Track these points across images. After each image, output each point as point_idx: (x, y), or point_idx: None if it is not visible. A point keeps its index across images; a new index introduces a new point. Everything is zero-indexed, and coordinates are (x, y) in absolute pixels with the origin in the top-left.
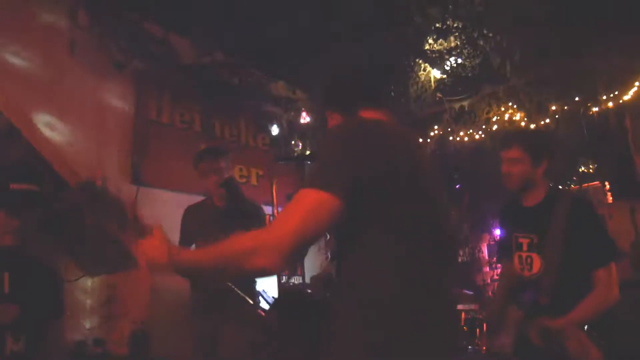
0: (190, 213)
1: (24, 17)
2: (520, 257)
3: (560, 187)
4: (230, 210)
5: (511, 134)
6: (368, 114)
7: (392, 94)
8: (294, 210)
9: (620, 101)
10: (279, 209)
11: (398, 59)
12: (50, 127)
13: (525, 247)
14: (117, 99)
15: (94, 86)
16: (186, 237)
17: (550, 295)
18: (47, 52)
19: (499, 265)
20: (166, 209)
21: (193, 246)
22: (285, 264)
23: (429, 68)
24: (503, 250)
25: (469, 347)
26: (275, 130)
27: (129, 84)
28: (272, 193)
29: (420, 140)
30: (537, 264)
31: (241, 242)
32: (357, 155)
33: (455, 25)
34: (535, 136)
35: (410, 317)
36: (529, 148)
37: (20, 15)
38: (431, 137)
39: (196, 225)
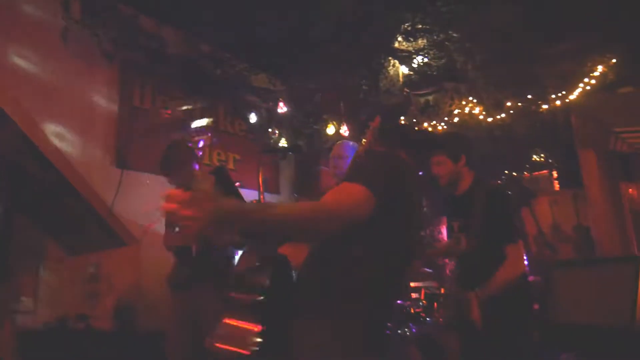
0: None
1: (17, 6)
2: (455, 237)
3: (481, 178)
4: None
5: (435, 142)
6: (400, 153)
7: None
8: (342, 193)
9: (567, 100)
10: (265, 195)
11: (372, 56)
12: (37, 111)
13: (456, 229)
14: (102, 86)
15: (81, 74)
16: (170, 219)
17: (465, 268)
18: (38, 41)
19: None
20: (148, 192)
21: (176, 229)
22: (340, 228)
23: (397, 64)
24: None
25: (427, 318)
26: (253, 118)
27: (114, 71)
28: (251, 181)
29: None
30: (463, 242)
31: (305, 205)
32: (388, 169)
33: (422, 27)
34: (451, 139)
35: (377, 303)
36: (448, 152)
37: (14, 4)
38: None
39: None
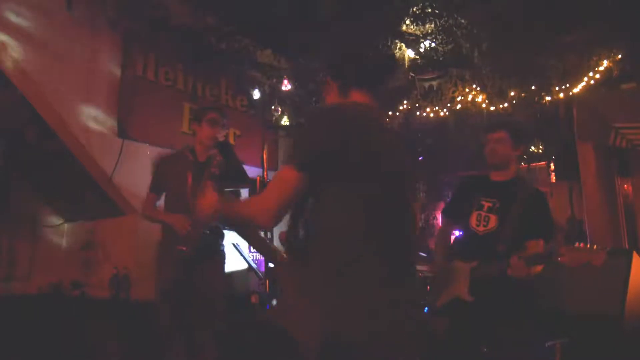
0: (164, 163)
1: None
2: (479, 215)
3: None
4: (224, 171)
5: (498, 121)
6: (357, 96)
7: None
8: (275, 184)
9: (570, 93)
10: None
11: (379, 38)
12: (39, 77)
13: (485, 208)
14: (105, 54)
15: (85, 40)
16: (157, 185)
17: (506, 245)
18: (43, 4)
19: None
20: (148, 162)
21: (163, 195)
22: (275, 222)
23: (404, 47)
24: (452, 212)
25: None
26: (256, 94)
27: (118, 40)
28: (252, 156)
29: (390, 113)
30: (493, 221)
31: (248, 205)
32: (320, 135)
33: (431, 12)
34: (518, 125)
35: (360, 269)
36: (512, 133)
37: None
38: (400, 111)
39: (169, 175)
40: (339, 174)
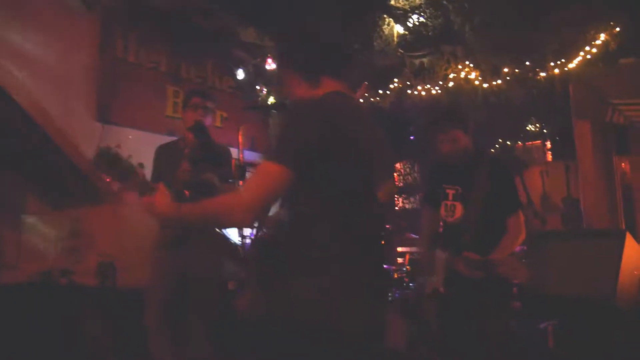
0: (161, 152)
1: None
2: (446, 205)
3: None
4: (199, 155)
5: (445, 118)
6: (328, 84)
7: (354, 70)
8: (258, 180)
9: (566, 69)
10: (245, 154)
11: (364, 12)
12: (13, 63)
13: (450, 197)
14: (83, 36)
15: (59, 23)
16: (157, 176)
17: (471, 236)
18: None
19: None
20: (130, 147)
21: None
22: (253, 221)
23: (392, 23)
24: (430, 198)
25: (411, 284)
26: (240, 74)
27: (95, 21)
28: (238, 139)
29: (380, 91)
30: (458, 210)
31: (222, 203)
32: (307, 133)
33: None
34: (461, 112)
35: (335, 257)
36: (463, 126)
37: None
38: (391, 90)
39: (166, 164)
40: (321, 169)
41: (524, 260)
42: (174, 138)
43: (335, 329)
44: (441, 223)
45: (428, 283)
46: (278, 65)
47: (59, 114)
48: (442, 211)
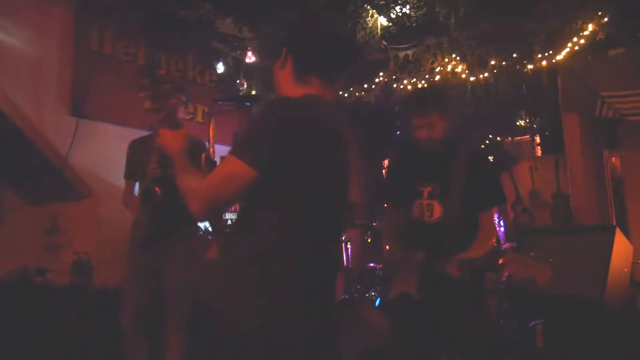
0: (134, 147)
1: None
2: (421, 204)
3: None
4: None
5: (421, 99)
6: (315, 86)
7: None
8: (217, 173)
9: (554, 61)
10: (215, 147)
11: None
12: None
13: (425, 195)
14: (56, 27)
15: (32, 14)
16: (130, 174)
17: (452, 237)
18: None
19: None
20: (107, 142)
21: (137, 183)
22: (205, 213)
23: (376, 15)
24: (395, 196)
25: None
26: (220, 67)
27: (69, 12)
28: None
29: (365, 85)
30: (437, 210)
31: (186, 185)
32: (274, 133)
33: None
34: (439, 95)
35: (286, 265)
36: (442, 110)
37: None
38: (376, 84)
39: (140, 159)
40: (282, 173)
41: (549, 260)
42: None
43: (278, 343)
44: (411, 224)
45: (394, 287)
46: (270, 57)
47: (31, 108)
48: (416, 211)
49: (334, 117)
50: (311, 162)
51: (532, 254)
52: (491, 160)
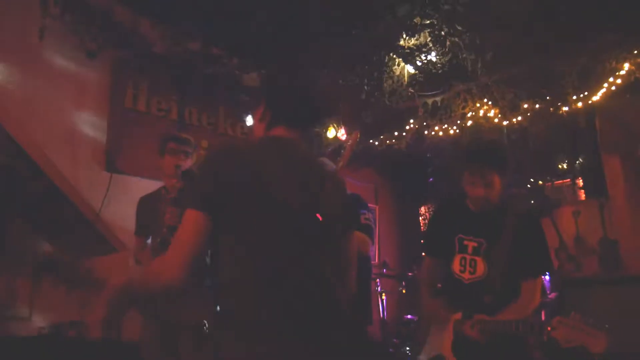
0: (143, 204)
1: None
2: (463, 259)
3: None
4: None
5: (480, 154)
6: (278, 131)
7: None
8: (180, 230)
9: (590, 102)
10: None
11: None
12: (23, 114)
13: (470, 250)
14: (92, 86)
15: (68, 74)
16: (141, 229)
17: (494, 296)
18: (17, 39)
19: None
20: (139, 196)
21: (149, 239)
22: (185, 275)
23: (402, 63)
24: (436, 248)
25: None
26: (249, 120)
27: (104, 71)
28: None
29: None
30: (481, 267)
31: (149, 270)
32: (214, 176)
33: (423, 22)
34: (502, 152)
35: (248, 300)
36: (501, 170)
37: None
38: (407, 131)
39: (150, 216)
40: (232, 220)
41: (606, 325)
42: None
43: None
44: (449, 279)
45: (426, 348)
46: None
47: (67, 164)
48: (456, 266)
49: (294, 154)
50: (261, 200)
51: (590, 320)
52: (535, 210)
